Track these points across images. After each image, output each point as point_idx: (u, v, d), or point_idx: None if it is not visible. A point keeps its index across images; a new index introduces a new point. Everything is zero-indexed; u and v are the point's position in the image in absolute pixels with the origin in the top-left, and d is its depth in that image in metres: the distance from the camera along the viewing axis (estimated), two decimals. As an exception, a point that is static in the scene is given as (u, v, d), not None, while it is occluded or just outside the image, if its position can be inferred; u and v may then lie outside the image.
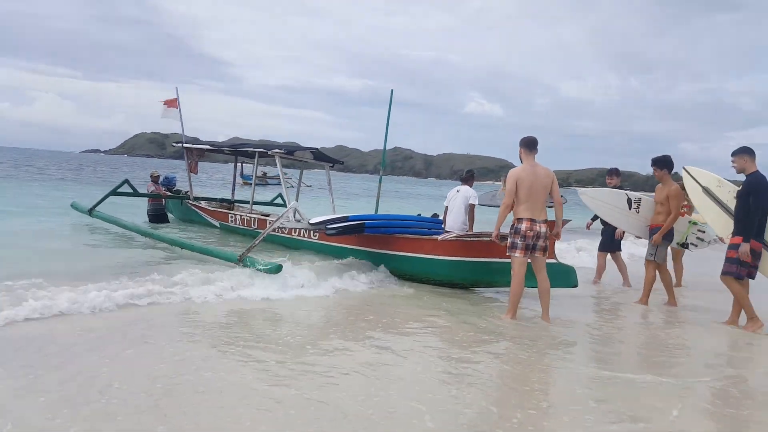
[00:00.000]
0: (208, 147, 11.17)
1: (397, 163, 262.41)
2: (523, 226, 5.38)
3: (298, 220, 7.57)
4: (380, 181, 9.86)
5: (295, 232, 8.79)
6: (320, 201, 19.27)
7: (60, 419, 2.77)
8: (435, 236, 7.14)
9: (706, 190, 6.26)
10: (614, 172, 8.16)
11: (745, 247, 5.45)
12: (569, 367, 4.19)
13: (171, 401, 3.05)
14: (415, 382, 3.61)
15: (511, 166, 6.92)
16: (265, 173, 36.07)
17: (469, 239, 6.88)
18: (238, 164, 12.40)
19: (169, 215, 12.07)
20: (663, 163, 6.61)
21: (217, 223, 10.70)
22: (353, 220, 7.51)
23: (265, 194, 16.42)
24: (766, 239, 5.64)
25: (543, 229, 5.40)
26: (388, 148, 9.34)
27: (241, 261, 6.78)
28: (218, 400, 3.10)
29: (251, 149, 9.64)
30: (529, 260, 5.56)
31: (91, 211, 10.46)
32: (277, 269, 6.38)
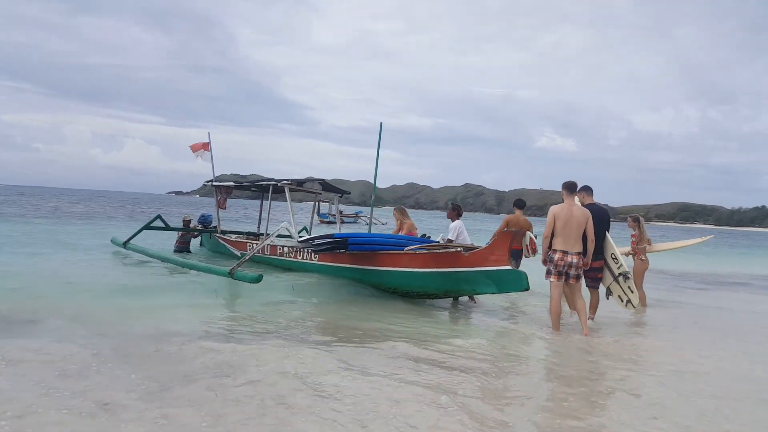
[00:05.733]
0: (233, 184, 12.13)
1: (468, 200, 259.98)
2: (556, 256, 6.12)
3: (288, 236, 8.18)
4: (372, 208, 10.62)
5: (299, 255, 9.27)
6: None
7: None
8: (408, 249, 7.38)
9: None
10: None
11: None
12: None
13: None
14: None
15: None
16: (341, 211, 36.22)
17: (437, 251, 7.13)
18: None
19: (202, 248, 13.39)
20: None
21: (239, 253, 11.37)
22: (338, 237, 8.01)
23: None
24: (605, 257, 6.83)
25: (575, 260, 6.12)
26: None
27: (232, 275, 7.48)
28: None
29: (266, 183, 10.36)
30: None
31: (125, 244, 11.35)
32: (257, 279, 7.09)
